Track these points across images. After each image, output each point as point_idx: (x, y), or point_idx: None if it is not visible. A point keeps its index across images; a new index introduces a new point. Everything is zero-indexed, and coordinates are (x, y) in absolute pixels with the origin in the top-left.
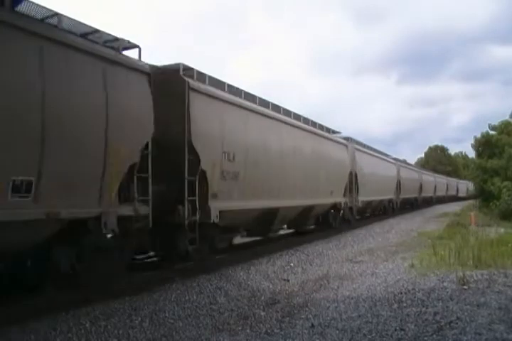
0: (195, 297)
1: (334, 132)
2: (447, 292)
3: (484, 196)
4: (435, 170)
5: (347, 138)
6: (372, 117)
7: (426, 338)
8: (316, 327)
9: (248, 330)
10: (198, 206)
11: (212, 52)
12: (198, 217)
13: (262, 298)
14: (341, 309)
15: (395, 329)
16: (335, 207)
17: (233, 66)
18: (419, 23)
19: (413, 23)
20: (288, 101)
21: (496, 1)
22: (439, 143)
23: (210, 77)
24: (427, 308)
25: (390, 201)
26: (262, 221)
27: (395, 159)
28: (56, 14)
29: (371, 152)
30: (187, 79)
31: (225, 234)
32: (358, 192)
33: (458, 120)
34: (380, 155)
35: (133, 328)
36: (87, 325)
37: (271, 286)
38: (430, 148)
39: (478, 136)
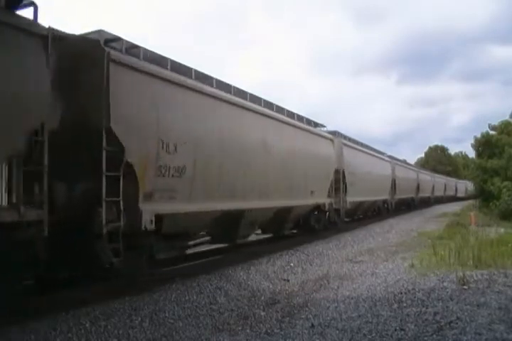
0: (195, 297)
1: (317, 125)
2: (447, 292)
3: (484, 196)
4: (435, 170)
5: (333, 133)
6: (372, 117)
7: (426, 338)
8: (316, 327)
9: (248, 330)
10: (122, 209)
11: (213, 52)
12: (122, 222)
13: (262, 298)
14: (341, 309)
15: (395, 329)
16: (318, 208)
17: (233, 66)
18: (419, 23)
19: (413, 23)
20: (288, 101)
21: (495, 1)
22: (439, 143)
23: (147, 51)
24: (427, 308)
25: (384, 202)
26: (224, 225)
27: (389, 157)
28: None
29: (362, 148)
30: (107, 49)
31: (172, 241)
32: (346, 192)
33: (458, 120)
34: (372, 152)
35: (133, 328)
36: (87, 325)
37: (271, 286)
38: (430, 148)
39: (478, 136)
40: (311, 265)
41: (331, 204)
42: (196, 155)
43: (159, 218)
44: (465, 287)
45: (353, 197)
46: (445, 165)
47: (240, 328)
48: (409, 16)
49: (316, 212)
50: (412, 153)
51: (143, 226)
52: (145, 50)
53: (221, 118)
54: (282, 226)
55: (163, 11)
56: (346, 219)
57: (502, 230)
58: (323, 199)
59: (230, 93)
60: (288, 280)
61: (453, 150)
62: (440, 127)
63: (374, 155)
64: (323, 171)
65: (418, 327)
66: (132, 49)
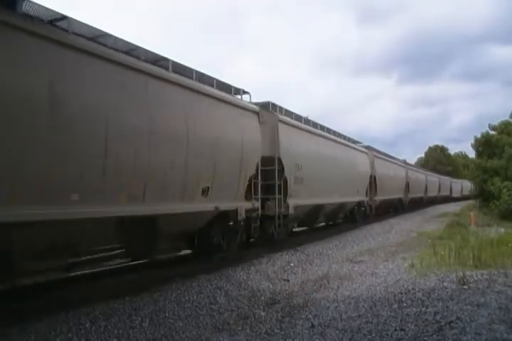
0: (195, 297)
1: (226, 88)
2: (447, 292)
3: (484, 196)
4: (435, 170)
5: (265, 105)
6: (373, 117)
7: (426, 338)
8: (316, 327)
9: (248, 330)
10: None
11: (216, 52)
12: None
13: (262, 298)
14: (341, 309)
15: (395, 329)
16: (227, 218)
17: (236, 67)
18: (421, 24)
19: (414, 24)
20: (290, 101)
21: (496, 2)
22: (440, 143)
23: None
24: (427, 308)
25: (359, 204)
26: None
27: (367, 147)
28: None
29: (318, 131)
30: None
31: None
32: (287, 191)
33: (459, 120)
34: (336, 138)
35: (133, 328)
36: (87, 325)
37: (271, 286)
38: (430, 148)
39: (478, 136)
40: (311, 265)
41: (252, 209)
42: None
43: None
44: (465, 287)
45: (301, 199)
46: (445, 165)
47: (239, 328)
48: (411, 16)
49: (229, 223)
50: (413, 153)
51: None
52: None
53: None
54: (152, 248)
55: (166, 12)
56: (297, 229)
57: (502, 230)
58: (233, 202)
59: None
60: (288, 280)
61: (454, 150)
62: (441, 127)
63: (340, 143)
64: (234, 158)
65: (418, 327)
66: None
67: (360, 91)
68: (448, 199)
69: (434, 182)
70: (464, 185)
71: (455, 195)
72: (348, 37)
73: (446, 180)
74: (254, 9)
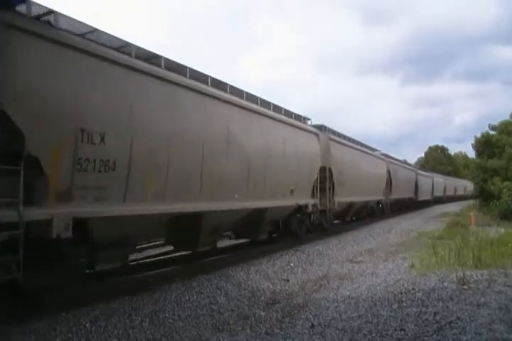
0: (195, 297)
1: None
2: (447, 292)
3: (484, 196)
4: (435, 170)
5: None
6: (375, 117)
7: (426, 338)
8: (316, 327)
9: (248, 330)
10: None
11: (220, 52)
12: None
13: (262, 298)
14: (341, 309)
15: (395, 329)
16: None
17: (239, 66)
18: (425, 24)
19: (418, 24)
20: (292, 100)
21: (499, 3)
22: (441, 143)
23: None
24: (427, 308)
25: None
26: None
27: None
28: None
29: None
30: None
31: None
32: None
33: (461, 120)
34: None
35: (133, 328)
36: (87, 325)
37: (271, 286)
38: (430, 148)
39: (479, 136)
40: (311, 265)
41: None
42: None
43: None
44: (465, 287)
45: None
46: (445, 165)
47: (240, 328)
48: (415, 17)
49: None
50: (414, 153)
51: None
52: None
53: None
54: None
55: (171, 12)
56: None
57: (502, 230)
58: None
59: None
60: (288, 280)
61: (455, 150)
62: (443, 127)
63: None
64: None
65: (418, 327)
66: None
67: (363, 91)
68: (410, 203)
69: (402, 179)
70: (435, 181)
71: (424, 197)
72: (352, 37)
73: (409, 173)
74: (259, 8)
